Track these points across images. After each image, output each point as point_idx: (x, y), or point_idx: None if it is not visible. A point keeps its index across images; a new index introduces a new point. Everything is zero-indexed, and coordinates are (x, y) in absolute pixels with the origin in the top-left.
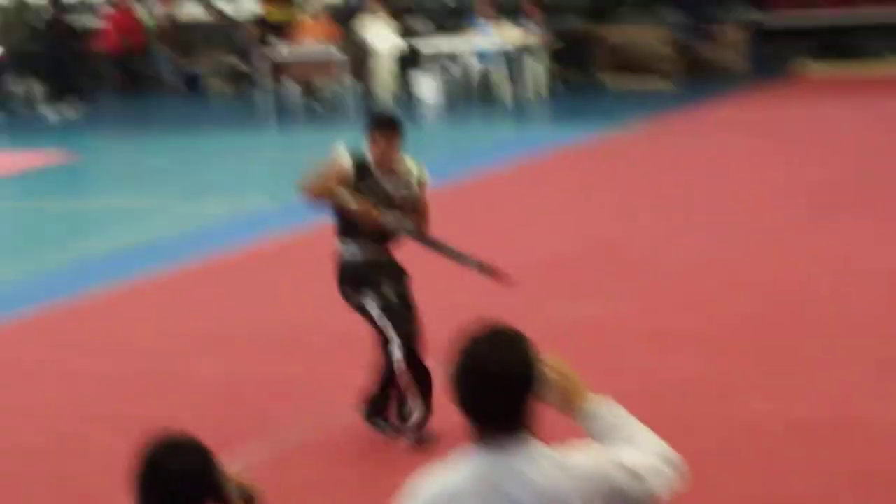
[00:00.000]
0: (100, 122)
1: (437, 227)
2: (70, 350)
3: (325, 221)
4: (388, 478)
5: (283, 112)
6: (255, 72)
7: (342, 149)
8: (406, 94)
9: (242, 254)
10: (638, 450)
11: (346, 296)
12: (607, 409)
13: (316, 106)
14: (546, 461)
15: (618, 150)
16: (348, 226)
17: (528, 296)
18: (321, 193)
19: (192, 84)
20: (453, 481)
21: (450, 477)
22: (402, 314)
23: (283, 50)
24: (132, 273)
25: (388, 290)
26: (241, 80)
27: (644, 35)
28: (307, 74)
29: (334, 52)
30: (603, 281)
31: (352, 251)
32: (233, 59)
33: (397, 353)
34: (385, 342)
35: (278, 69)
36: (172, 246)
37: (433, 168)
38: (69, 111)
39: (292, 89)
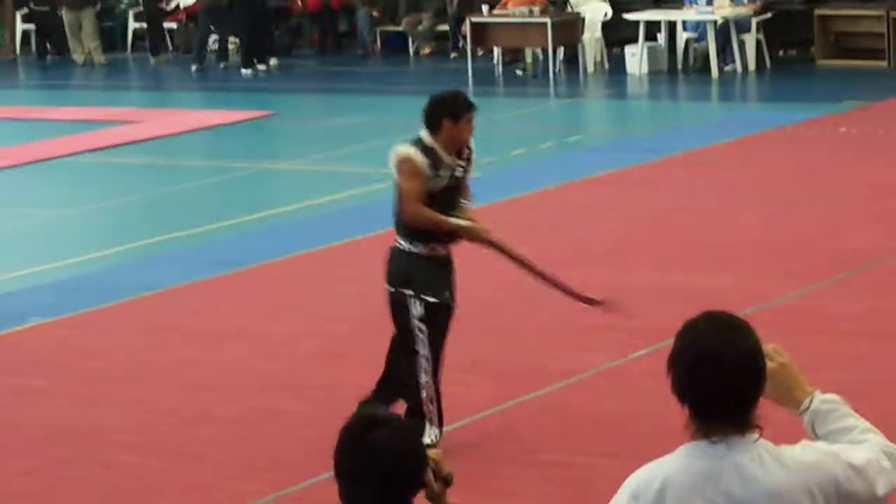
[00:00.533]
0: (295, 80)
1: (644, 200)
2: (253, 314)
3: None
4: None
5: (483, 76)
6: (457, 35)
7: (410, 150)
8: (611, 64)
9: None
10: (861, 446)
11: (395, 285)
12: (829, 403)
13: (517, 72)
14: (769, 457)
15: (825, 136)
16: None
17: (739, 280)
18: (434, 226)
19: (392, 45)
20: (667, 472)
21: (666, 465)
22: (442, 330)
23: (487, 14)
24: (317, 237)
25: (441, 297)
26: (442, 43)
27: (862, 14)
28: (510, 40)
29: (540, 17)
30: (812, 269)
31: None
32: (435, 21)
33: (423, 377)
34: (412, 352)
35: (481, 32)
36: (361, 210)
37: (638, 141)
38: (265, 68)
39: (494, 54)
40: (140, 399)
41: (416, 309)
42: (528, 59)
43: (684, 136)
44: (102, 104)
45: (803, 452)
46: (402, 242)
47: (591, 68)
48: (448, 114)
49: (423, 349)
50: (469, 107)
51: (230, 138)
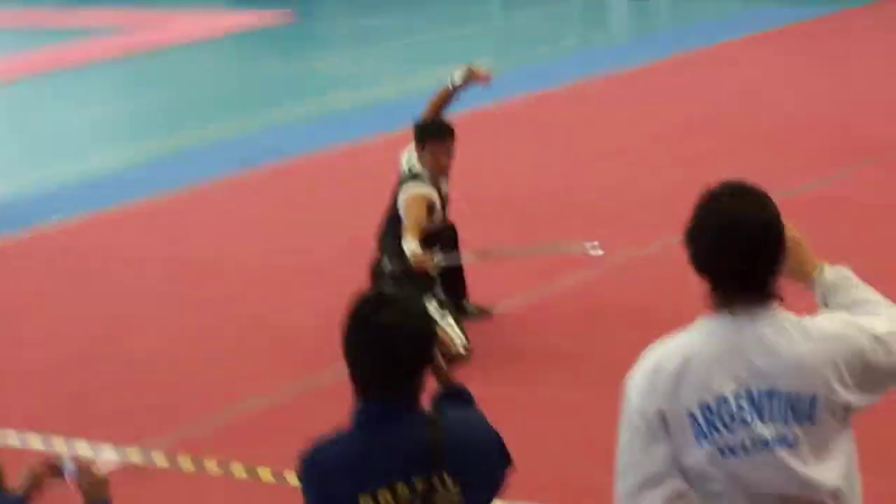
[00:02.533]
0: None
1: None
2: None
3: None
4: None
5: None
6: None
7: (422, 187)
8: None
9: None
10: (881, 317)
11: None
12: (841, 276)
13: None
14: (793, 328)
15: (850, 27)
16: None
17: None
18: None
19: None
20: (690, 343)
21: (687, 339)
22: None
23: None
24: (346, 135)
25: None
26: None
27: None
28: None
29: None
30: (834, 156)
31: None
32: None
33: None
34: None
35: None
36: (387, 110)
37: (659, 40)
38: None
39: None
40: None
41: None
42: None
43: (704, 31)
44: (126, 6)
45: (827, 323)
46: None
47: None
48: (435, 139)
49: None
50: (448, 135)
51: (254, 40)
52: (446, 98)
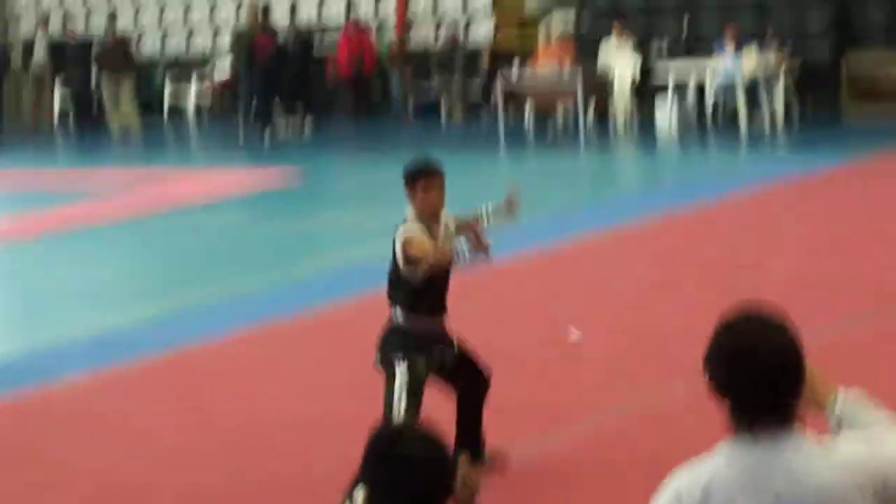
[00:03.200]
0: (331, 143)
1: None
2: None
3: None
4: None
5: (515, 137)
6: (488, 97)
7: (408, 226)
8: (642, 120)
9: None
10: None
11: (384, 354)
12: (859, 400)
13: (549, 131)
14: (815, 453)
15: (857, 182)
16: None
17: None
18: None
19: (425, 109)
20: (712, 470)
21: (709, 466)
22: (418, 401)
23: (517, 75)
24: (359, 289)
25: (422, 367)
26: (473, 106)
27: (892, 61)
28: (541, 99)
29: (570, 77)
30: (843, 306)
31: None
32: (466, 84)
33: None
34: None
35: (511, 94)
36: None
37: (670, 195)
38: (301, 131)
39: (526, 114)
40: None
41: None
42: (559, 116)
43: (717, 186)
44: (138, 167)
45: (850, 448)
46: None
47: (620, 123)
48: (416, 178)
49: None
50: (430, 172)
51: (264, 198)
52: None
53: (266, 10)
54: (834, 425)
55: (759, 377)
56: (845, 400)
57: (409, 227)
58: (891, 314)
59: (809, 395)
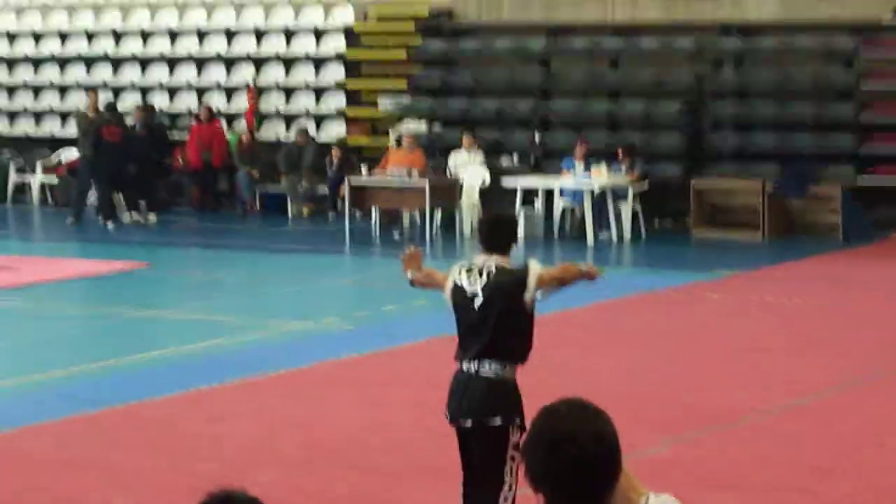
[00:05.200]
0: (174, 235)
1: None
2: (126, 449)
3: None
4: None
5: (361, 238)
6: (336, 196)
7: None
8: None
9: (307, 370)
10: None
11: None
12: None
13: (395, 234)
14: None
15: (696, 299)
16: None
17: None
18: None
19: (271, 205)
20: None
21: None
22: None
23: (366, 175)
24: (194, 383)
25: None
26: (321, 204)
27: (738, 187)
28: (389, 202)
29: (418, 180)
30: (673, 421)
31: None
32: (316, 182)
33: None
34: (497, 484)
35: (360, 194)
36: (238, 359)
37: None
38: (144, 222)
39: (373, 215)
40: None
41: (515, 437)
42: (406, 221)
43: (555, 299)
44: None
45: None
46: (494, 368)
47: (468, 232)
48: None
49: (510, 478)
50: None
51: (107, 287)
52: None
53: (114, 102)
54: None
55: (580, 462)
56: (659, 499)
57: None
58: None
59: (621, 496)
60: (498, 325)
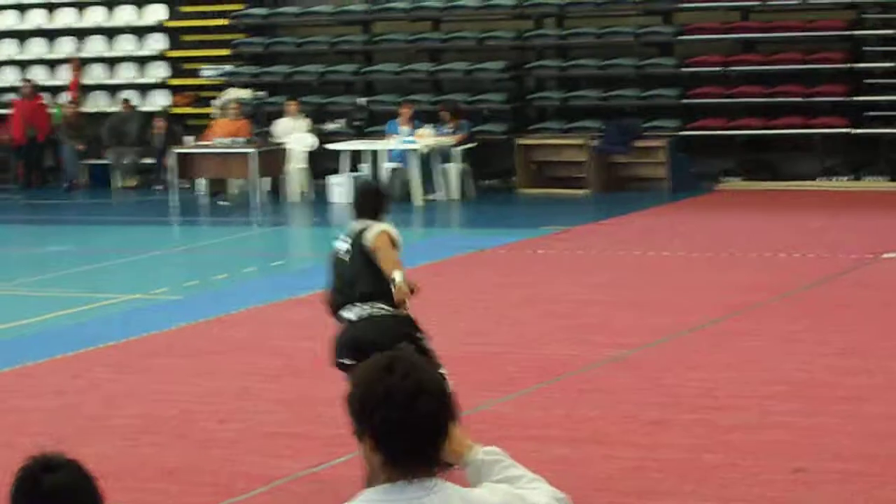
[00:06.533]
0: (1, 213)
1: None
2: None
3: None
4: None
5: (188, 208)
6: (161, 167)
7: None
8: (319, 195)
9: (138, 341)
10: (536, 491)
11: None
12: (493, 454)
13: (222, 203)
14: (458, 499)
15: (523, 257)
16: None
17: None
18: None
19: (98, 178)
20: None
21: None
22: None
23: (191, 144)
24: (26, 358)
25: None
26: (149, 175)
27: (563, 144)
28: (215, 170)
29: (244, 148)
30: (503, 379)
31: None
32: (141, 154)
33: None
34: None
35: (186, 164)
36: (69, 333)
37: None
38: None
39: (200, 185)
40: None
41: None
42: (233, 189)
43: None
44: None
45: (489, 494)
46: (384, 307)
47: (295, 198)
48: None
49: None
50: None
51: None
52: None
53: None
54: (473, 479)
55: (435, 413)
56: (485, 454)
57: (382, 228)
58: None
59: (448, 448)
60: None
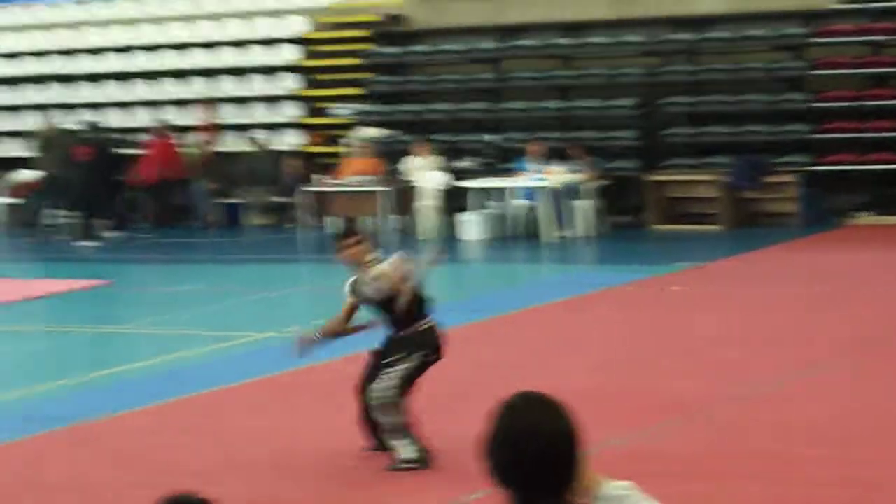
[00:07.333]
0: (135, 251)
1: (478, 354)
2: (95, 465)
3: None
4: None
5: (319, 245)
6: (295, 205)
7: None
8: (450, 232)
9: (269, 380)
10: None
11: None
12: (629, 489)
13: None
14: None
15: (655, 293)
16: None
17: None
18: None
19: (232, 216)
20: None
21: None
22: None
23: (324, 183)
24: (159, 396)
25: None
26: (281, 214)
27: (694, 180)
28: (346, 208)
29: (377, 186)
30: (636, 414)
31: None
32: (273, 192)
33: None
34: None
35: (319, 203)
36: (201, 371)
37: (474, 303)
38: (103, 240)
39: (332, 223)
40: None
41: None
42: (367, 227)
43: (515, 296)
44: None
45: None
46: None
47: (426, 235)
48: None
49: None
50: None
51: (69, 305)
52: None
53: (95, 122)
54: None
55: (543, 456)
56: (617, 487)
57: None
58: (677, 423)
59: (581, 484)
60: None
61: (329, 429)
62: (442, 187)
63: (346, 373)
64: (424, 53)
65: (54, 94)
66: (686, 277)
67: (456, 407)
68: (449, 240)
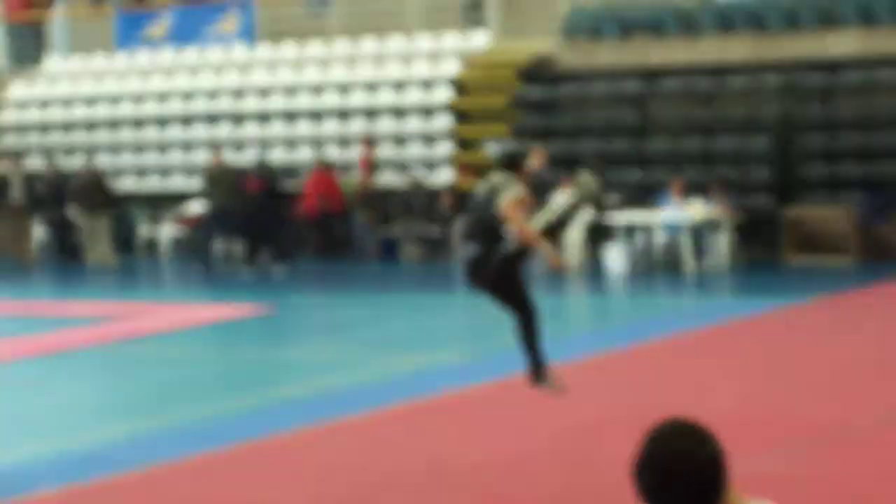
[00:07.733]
0: (297, 281)
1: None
2: (258, 485)
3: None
4: None
5: None
6: (449, 238)
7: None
8: (594, 263)
9: (429, 402)
10: None
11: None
12: None
13: None
14: None
15: (794, 323)
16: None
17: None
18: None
19: (389, 249)
20: None
21: None
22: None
23: None
24: (323, 417)
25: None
26: (436, 247)
27: (827, 215)
28: None
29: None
30: (778, 441)
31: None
32: (428, 226)
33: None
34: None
35: None
36: (367, 392)
37: (616, 333)
38: (269, 270)
39: None
40: None
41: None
42: None
43: (657, 325)
44: (114, 300)
45: None
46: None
47: (573, 263)
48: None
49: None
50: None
51: (233, 332)
52: None
53: (263, 159)
54: None
55: (685, 489)
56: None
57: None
58: (820, 445)
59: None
60: None
61: (490, 449)
62: (587, 219)
63: (525, 394)
64: (572, 94)
65: (224, 131)
66: (820, 307)
67: (606, 431)
68: (593, 272)
